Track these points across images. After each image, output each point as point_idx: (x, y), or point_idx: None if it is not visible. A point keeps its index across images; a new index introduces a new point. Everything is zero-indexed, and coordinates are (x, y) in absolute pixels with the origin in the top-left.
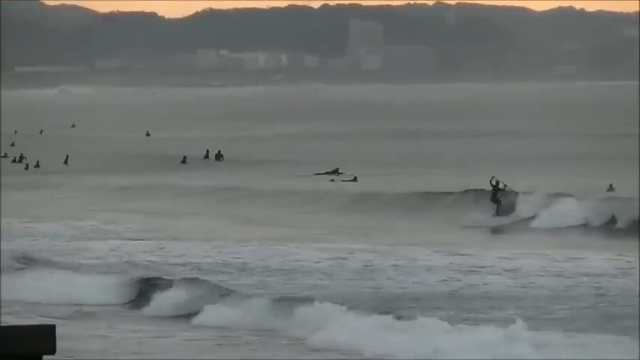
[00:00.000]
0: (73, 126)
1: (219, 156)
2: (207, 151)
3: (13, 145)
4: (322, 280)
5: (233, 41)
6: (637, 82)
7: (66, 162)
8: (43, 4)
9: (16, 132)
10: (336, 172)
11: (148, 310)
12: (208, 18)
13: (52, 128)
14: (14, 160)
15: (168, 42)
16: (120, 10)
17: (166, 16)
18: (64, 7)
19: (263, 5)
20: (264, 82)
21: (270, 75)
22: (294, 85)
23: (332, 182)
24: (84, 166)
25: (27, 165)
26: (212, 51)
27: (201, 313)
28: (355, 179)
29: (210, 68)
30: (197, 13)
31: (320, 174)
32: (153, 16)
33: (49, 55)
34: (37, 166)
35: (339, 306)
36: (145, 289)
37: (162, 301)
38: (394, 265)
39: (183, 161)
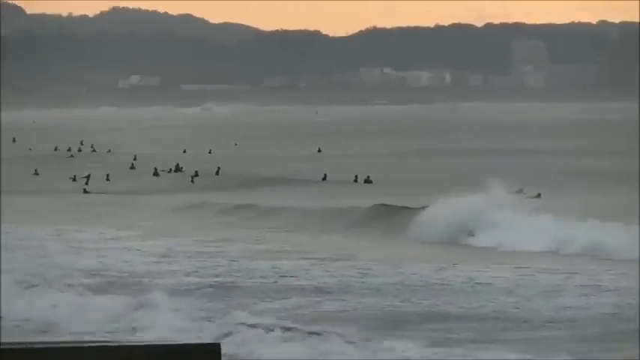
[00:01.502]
0: (236, 144)
1: (367, 181)
2: (356, 176)
3: (178, 167)
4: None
5: (397, 59)
6: None
7: (217, 172)
8: (207, 22)
9: (184, 151)
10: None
11: None
12: (372, 36)
13: (218, 146)
14: (169, 171)
15: (332, 60)
16: (284, 28)
17: (330, 35)
18: (228, 25)
19: (427, 23)
20: (427, 100)
21: (433, 93)
22: (458, 102)
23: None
24: (238, 186)
25: (192, 178)
26: (376, 69)
27: None
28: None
29: (374, 86)
30: (361, 31)
31: None
32: (317, 34)
33: (214, 73)
34: (196, 175)
35: None
36: None
37: None
38: None
39: (324, 178)
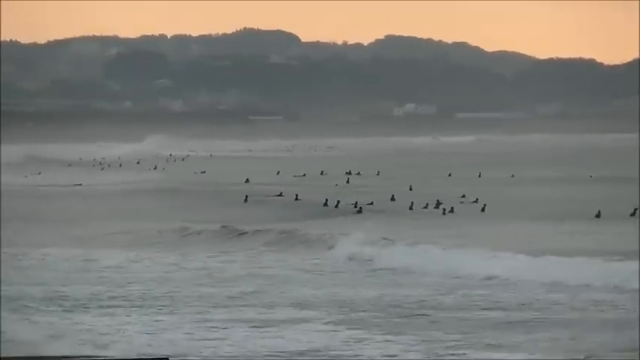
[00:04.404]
0: (513, 176)
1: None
2: (635, 209)
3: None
4: None
5: None
6: None
7: (483, 209)
8: (483, 50)
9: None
10: None
11: None
12: None
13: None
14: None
15: (608, 88)
16: (559, 56)
17: (605, 62)
18: (504, 53)
19: None
20: None
21: None
22: None
23: None
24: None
25: (444, 210)
26: None
27: None
28: None
29: None
30: (635, 59)
31: None
32: (591, 62)
33: (490, 100)
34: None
35: None
36: None
37: None
38: None
39: (598, 215)
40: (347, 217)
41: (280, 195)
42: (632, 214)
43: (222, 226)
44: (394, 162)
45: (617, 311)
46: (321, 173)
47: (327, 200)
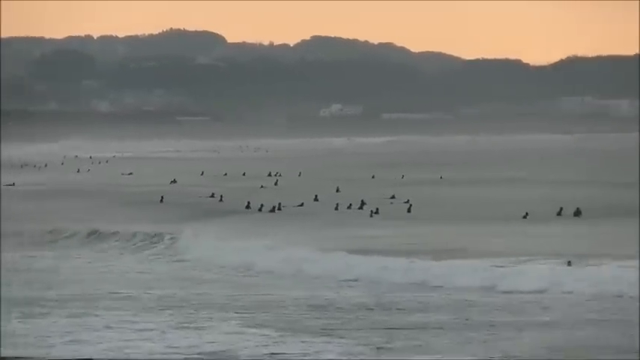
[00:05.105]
0: (441, 178)
1: (577, 213)
2: (561, 208)
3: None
4: None
5: (597, 88)
6: None
7: (409, 210)
8: (409, 50)
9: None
10: None
11: None
12: (572, 65)
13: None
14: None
15: (532, 89)
16: (484, 57)
17: (531, 63)
18: (429, 54)
19: (628, 52)
20: (628, 130)
21: (633, 122)
22: None
23: None
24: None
25: (372, 213)
26: (576, 98)
27: None
28: None
29: (575, 115)
30: (561, 60)
31: None
32: (517, 62)
33: (416, 101)
34: (377, 212)
35: None
36: None
37: None
38: None
39: (525, 216)
40: (264, 217)
41: (212, 196)
42: (559, 214)
43: (92, 229)
44: (321, 163)
45: (536, 312)
46: (243, 174)
47: (249, 203)
